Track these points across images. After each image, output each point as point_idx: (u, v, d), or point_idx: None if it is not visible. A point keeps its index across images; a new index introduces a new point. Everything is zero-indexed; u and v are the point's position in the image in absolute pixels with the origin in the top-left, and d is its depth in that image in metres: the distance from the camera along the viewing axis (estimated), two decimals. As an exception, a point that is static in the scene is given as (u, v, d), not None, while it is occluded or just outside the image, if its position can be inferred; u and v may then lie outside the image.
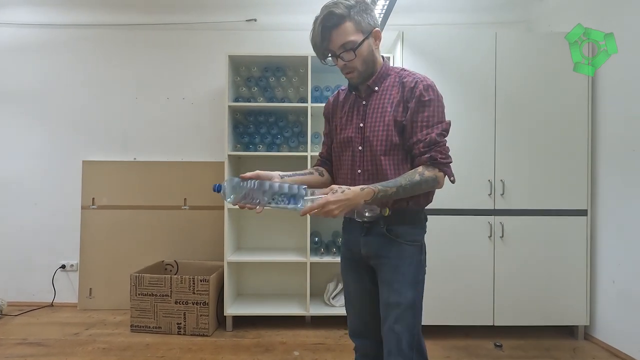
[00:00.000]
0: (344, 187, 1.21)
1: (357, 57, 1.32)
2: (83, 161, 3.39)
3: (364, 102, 1.39)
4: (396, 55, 2.84)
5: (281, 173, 1.37)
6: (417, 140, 1.30)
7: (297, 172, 1.46)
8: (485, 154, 2.71)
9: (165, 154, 3.42)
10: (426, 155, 1.28)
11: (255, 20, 3.40)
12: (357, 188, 1.21)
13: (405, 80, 1.34)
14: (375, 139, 1.33)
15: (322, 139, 1.62)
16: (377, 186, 1.23)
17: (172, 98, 3.43)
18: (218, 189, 1.23)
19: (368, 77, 1.38)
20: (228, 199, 1.23)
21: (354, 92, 1.44)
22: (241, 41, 3.40)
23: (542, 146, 2.71)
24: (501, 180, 2.71)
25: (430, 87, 1.31)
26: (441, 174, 1.30)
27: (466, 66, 2.71)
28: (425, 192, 1.32)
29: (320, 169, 1.55)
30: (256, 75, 3.13)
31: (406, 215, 1.33)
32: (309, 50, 3.17)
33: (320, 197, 1.18)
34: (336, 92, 1.56)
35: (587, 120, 2.70)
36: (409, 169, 1.33)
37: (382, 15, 2.91)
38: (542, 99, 2.71)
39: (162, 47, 3.43)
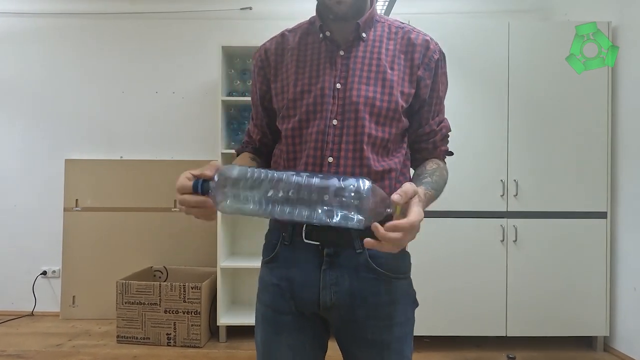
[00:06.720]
0: (414, 187, 0.82)
1: None
2: (65, 160, 3.38)
3: (341, 52, 1.00)
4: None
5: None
6: (432, 132, 1.04)
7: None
8: (497, 152, 2.70)
9: (154, 152, 3.41)
10: (443, 148, 1.07)
11: (250, 8, 3.39)
12: (420, 191, 0.84)
13: (412, 36, 1.03)
14: (364, 109, 0.95)
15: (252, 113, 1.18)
16: (430, 189, 0.92)
17: (161, 92, 3.42)
18: (201, 188, 0.81)
19: (356, 14, 0.98)
20: (222, 205, 0.82)
21: (324, 34, 1.00)
22: (235, 31, 3.38)
23: (558, 143, 2.70)
24: (514, 180, 2.70)
25: (443, 54, 1.07)
26: None
27: (477, 58, 2.70)
28: None
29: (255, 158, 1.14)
30: (251, 68, 3.11)
31: None
32: (308, 41, 3.22)
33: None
34: (278, 34, 1.13)
35: (607, 115, 2.69)
36: (406, 163, 1.05)
37: (387, 3, 2.90)
38: (558, 93, 2.70)
39: (150, 37, 3.42)
